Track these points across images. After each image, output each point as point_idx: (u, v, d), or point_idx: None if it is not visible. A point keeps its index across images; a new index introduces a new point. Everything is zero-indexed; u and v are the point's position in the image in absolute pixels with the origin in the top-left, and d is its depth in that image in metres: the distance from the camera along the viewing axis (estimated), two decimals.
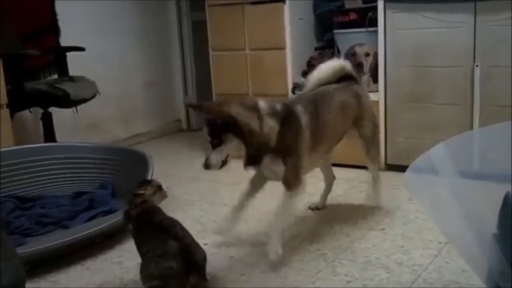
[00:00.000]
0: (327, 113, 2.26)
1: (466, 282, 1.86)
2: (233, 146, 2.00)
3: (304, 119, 2.15)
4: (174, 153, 3.98)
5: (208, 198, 2.92)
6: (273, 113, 2.08)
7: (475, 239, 1.37)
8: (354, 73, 2.51)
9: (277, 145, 2.06)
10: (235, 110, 1.97)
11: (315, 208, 2.69)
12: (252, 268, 2.08)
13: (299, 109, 2.16)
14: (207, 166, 1.99)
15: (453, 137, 1.54)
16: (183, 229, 1.77)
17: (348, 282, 1.93)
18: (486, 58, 2.80)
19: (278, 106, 2.12)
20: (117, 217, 2.37)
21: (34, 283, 2.02)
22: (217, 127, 1.97)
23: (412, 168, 1.46)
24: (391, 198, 2.76)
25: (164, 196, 1.93)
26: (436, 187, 1.47)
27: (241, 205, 2.29)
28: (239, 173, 2.16)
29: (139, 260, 2.17)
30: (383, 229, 2.39)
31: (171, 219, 1.81)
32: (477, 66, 2.82)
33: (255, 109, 2.04)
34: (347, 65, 2.49)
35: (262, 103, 2.08)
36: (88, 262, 2.21)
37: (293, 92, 3.43)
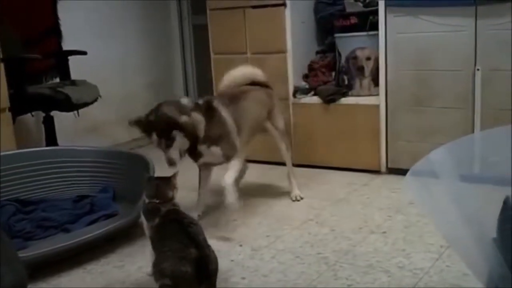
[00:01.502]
0: (245, 104, 2.62)
1: (467, 286, 1.85)
2: (180, 141, 2.33)
3: (224, 111, 2.50)
4: None
5: (206, 202, 2.91)
6: (196, 108, 2.43)
7: (475, 242, 1.37)
8: (265, 80, 2.84)
9: (206, 134, 2.42)
10: (174, 114, 2.32)
11: None
12: (253, 272, 2.08)
13: (217, 103, 2.51)
14: (171, 163, 2.31)
15: (454, 141, 1.54)
16: (205, 239, 1.80)
17: (349, 285, 1.93)
18: (487, 61, 2.80)
19: (200, 101, 2.50)
20: (118, 221, 2.38)
21: (35, 287, 2.02)
22: (166, 131, 2.31)
23: (412, 171, 1.46)
24: (392, 201, 2.77)
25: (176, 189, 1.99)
26: (437, 190, 1.47)
27: (202, 199, 2.72)
28: None
29: (141, 264, 2.18)
30: (384, 232, 2.39)
31: (196, 225, 1.84)
32: (478, 69, 2.82)
33: (182, 107, 2.39)
34: (258, 72, 2.83)
35: (184, 100, 2.46)
36: (90, 265, 2.21)
37: (294, 96, 3.44)
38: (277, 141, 2.88)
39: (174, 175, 1.96)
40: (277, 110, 2.87)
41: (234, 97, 2.62)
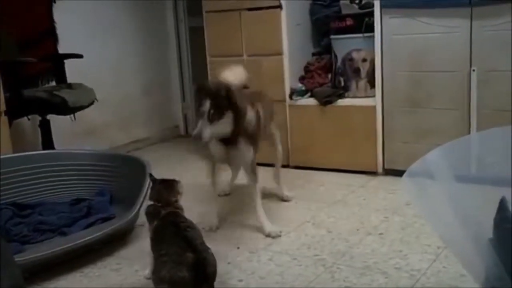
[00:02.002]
0: (263, 113, 2.51)
1: (464, 287, 1.86)
2: (228, 123, 2.21)
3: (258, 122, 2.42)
4: (172, 159, 3.98)
5: (204, 204, 2.91)
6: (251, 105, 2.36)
7: (472, 243, 1.38)
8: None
9: (251, 134, 2.35)
10: (242, 101, 2.24)
11: (223, 194, 3.01)
12: (250, 274, 2.08)
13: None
14: (199, 137, 2.14)
15: (450, 142, 1.55)
16: (203, 243, 1.81)
17: (346, 287, 1.93)
18: (482, 62, 2.81)
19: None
20: (115, 224, 2.38)
21: None
22: (222, 103, 2.16)
23: (409, 172, 1.46)
24: (389, 202, 2.77)
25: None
26: (433, 191, 1.48)
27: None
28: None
29: (138, 267, 2.18)
30: (381, 234, 2.39)
31: (194, 229, 1.84)
32: (473, 70, 2.83)
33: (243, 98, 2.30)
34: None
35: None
36: (87, 269, 2.21)
37: (291, 98, 3.44)
38: (272, 147, 2.85)
39: (178, 181, 1.97)
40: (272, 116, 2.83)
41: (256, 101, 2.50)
